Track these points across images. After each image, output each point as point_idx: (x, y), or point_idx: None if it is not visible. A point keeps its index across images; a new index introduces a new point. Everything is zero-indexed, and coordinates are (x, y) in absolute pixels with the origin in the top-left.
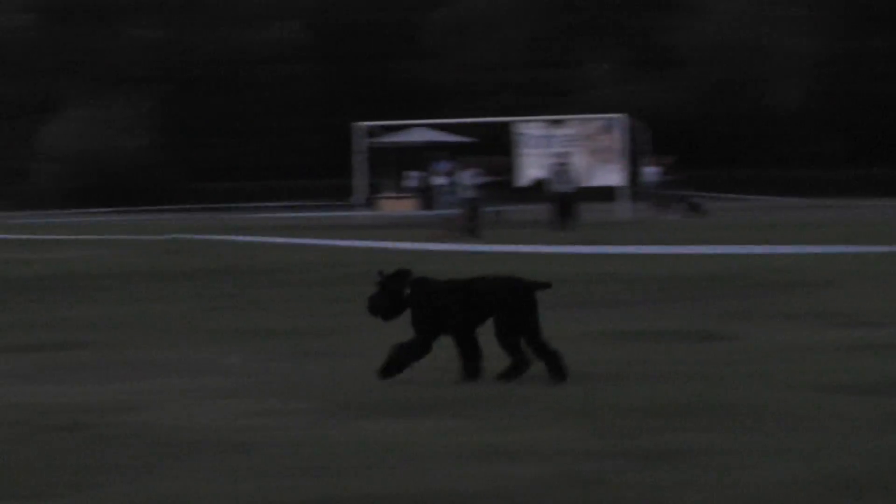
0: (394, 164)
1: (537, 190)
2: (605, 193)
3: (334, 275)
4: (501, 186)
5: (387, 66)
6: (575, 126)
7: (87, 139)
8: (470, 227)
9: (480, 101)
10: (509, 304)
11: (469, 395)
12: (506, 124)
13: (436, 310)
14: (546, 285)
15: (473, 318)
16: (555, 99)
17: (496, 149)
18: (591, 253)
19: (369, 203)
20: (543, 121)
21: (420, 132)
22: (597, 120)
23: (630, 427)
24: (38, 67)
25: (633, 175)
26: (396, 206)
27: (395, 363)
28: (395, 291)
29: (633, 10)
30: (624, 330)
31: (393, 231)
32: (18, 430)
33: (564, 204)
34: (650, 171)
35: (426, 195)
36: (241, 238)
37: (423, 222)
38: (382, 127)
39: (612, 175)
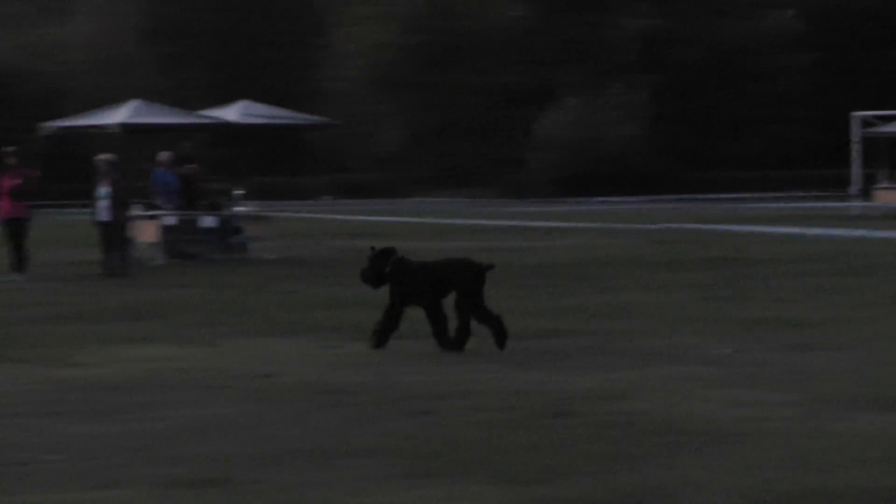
0: (887, 154)
1: None
2: None
3: (828, 266)
4: None
5: (883, 54)
6: None
7: (582, 128)
8: None
9: None
10: (466, 281)
11: None
12: None
13: (408, 285)
14: (490, 266)
15: (438, 293)
16: None
17: None
18: None
19: (865, 193)
20: None
21: None
22: None
23: None
24: (535, 57)
25: None
26: (892, 198)
27: (381, 331)
28: (380, 267)
29: None
30: None
31: (889, 222)
32: (511, 415)
33: None
34: None
35: None
36: (733, 228)
37: None
38: (876, 117)
39: None
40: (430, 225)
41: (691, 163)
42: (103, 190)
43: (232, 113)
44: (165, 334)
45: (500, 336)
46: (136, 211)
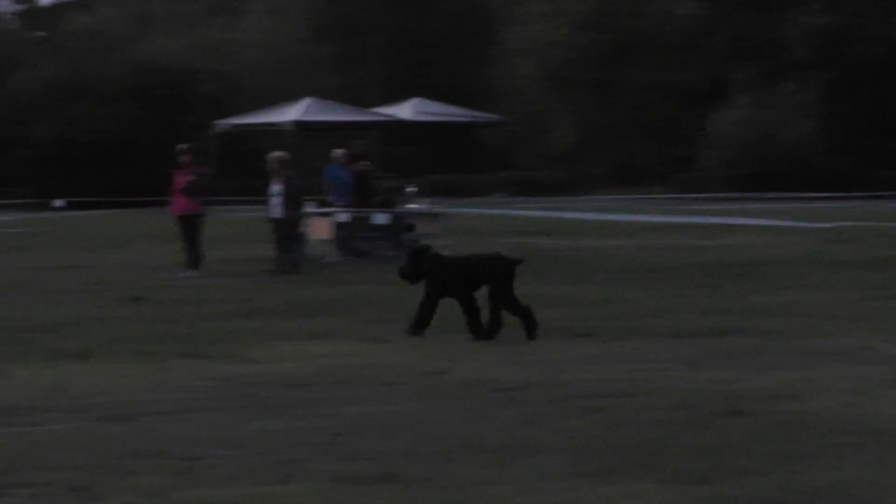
0: None
1: None
2: None
3: None
4: None
5: None
6: None
7: (755, 126)
8: None
9: None
10: (497, 274)
11: None
12: None
13: (443, 278)
14: (520, 261)
15: (471, 286)
16: None
17: None
18: None
19: None
20: None
21: None
22: None
23: None
24: (708, 55)
25: None
26: None
27: (418, 320)
28: (417, 263)
29: None
30: None
31: None
32: (684, 414)
33: None
34: None
35: None
36: None
37: None
38: None
39: None
40: (600, 222)
41: (867, 161)
42: (276, 187)
43: (405, 110)
44: (339, 331)
45: (531, 326)
46: (309, 208)
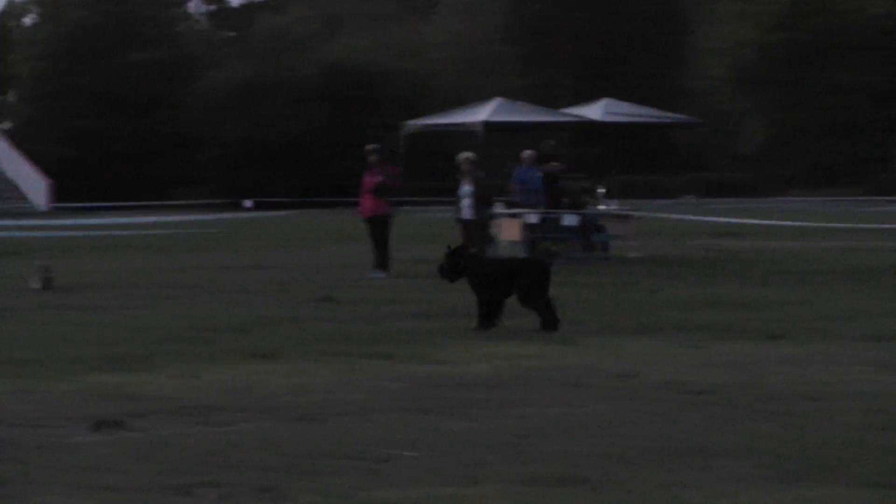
0: None
1: None
2: None
3: None
4: None
5: None
6: None
7: None
8: None
9: None
10: (532, 275)
11: None
12: None
13: (481, 277)
14: (551, 263)
15: (508, 285)
16: None
17: None
18: None
19: None
20: None
21: None
22: None
23: None
24: None
25: None
26: None
27: (483, 318)
28: (455, 262)
29: None
30: None
31: None
32: (875, 418)
33: None
34: None
35: None
36: None
37: None
38: None
39: None
40: (790, 225)
41: None
42: (466, 188)
43: (594, 111)
44: (527, 331)
45: (548, 325)
46: (498, 209)
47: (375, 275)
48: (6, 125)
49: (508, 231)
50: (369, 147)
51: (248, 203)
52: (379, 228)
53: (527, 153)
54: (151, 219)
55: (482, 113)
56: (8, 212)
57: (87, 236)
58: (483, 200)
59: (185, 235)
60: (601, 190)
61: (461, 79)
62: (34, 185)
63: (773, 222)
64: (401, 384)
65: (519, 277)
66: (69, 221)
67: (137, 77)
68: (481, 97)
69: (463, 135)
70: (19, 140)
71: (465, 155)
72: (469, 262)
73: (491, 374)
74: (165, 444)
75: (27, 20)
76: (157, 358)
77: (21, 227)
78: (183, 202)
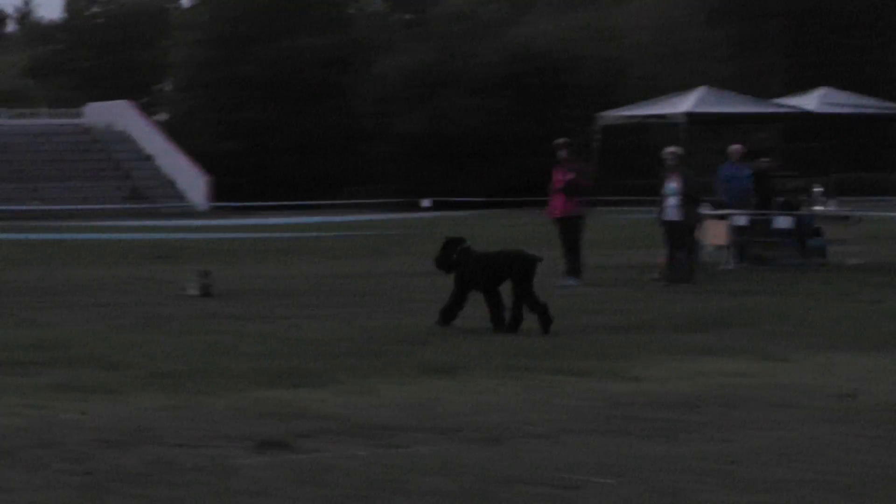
0: None
1: None
2: None
3: None
4: None
5: None
6: None
7: None
8: None
9: None
10: (519, 271)
11: None
12: None
13: (469, 272)
14: (540, 259)
15: (494, 280)
16: None
17: None
18: None
19: None
20: None
21: None
22: None
23: None
24: None
25: None
26: None
27: (447, 313)
28: (448, 254)
29: None
30: None
31: None
32: None
33: None
34: None
35: None
36: None
37: None
38: None
39: None
40: None
41: None
42: (670, 186)
43: (811, 101)
44: (733, 346)
45: (546, 323)
46: (704, 210)
47: (566, 282)
48: (162, 116)
49: (714, 235)
50: (559, 141)
51: (425, 202)
52: (570, 231)
53: (734, 148)
54: (319, 219)
55: (685, 103)
56: (165, 212)
57: (249, 238)
58: (689, 200)
59: (355, 238)
60: (818, 189)
61: (661, 65)
62: (192, 182)
63: None
64: (593, 403)
65: (508, 273)
66: (229, 222)
67: (305, 64)
68: (684, 86)
69: (663, 127)
70: (176, 133)
71: (672, 149)
72: (461, 254)
73: (693, 392)
74: (334, 467)
75: (185, 2)
76: (326, 372)
77: (178, 229)
78: (354, 201)
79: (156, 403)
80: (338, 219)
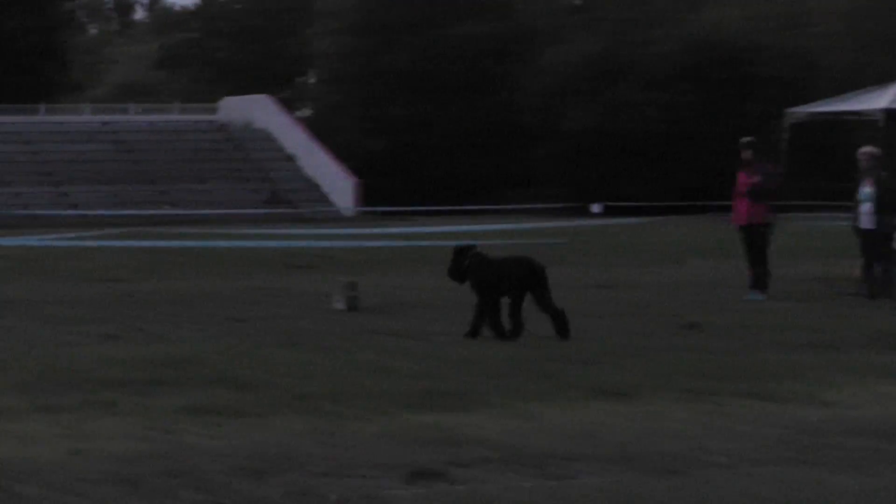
0: None
1: None
2: None
3: None
4: None
5: None
6: None
7: None
8: None
9: None
10: (527, 277)
11: None
12: None
13: (483, 278)
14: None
15: (503, 287)
16: None
17: None
18: None
19: None
20: None
21: None
22: None
23: None
24: None
25: None
26: None
27: (476, 324)
28: (460, 262)
29: None
30: None
31: None
32: None
33: None
34: None
35: None
36: None
37: None
38: None
39: None
40: None
41: None
42: (865, 191)
43: None
44: None
45: (562, 328)
46: None
47: (753, 297)
48: (305, 112)
49: None
50: (744, 140)
51: (596, 208)
52: (756, 239)
53: None
54: (477, 227)
55: (883, 98)
56: (309, 217)
57: (400, 247)
58: (887, 206)
59: (518, 247)
60: None
61: (856, 56)
62: (338, 184)
63: None
64: (781, 430)
65: (517, 280)
66: (378, 230)
67: (462, 55)
68: (882, 79)
69: (859, 125)
70: (320, 130)
71: (867, 149)
72: (472, 262)
73: (890, 418)
74: (494, 499)
75: None
76: (484, 394)
77: (321, 237)
78: (517, 206)
79: (297, 428)
80: (498, 226)
